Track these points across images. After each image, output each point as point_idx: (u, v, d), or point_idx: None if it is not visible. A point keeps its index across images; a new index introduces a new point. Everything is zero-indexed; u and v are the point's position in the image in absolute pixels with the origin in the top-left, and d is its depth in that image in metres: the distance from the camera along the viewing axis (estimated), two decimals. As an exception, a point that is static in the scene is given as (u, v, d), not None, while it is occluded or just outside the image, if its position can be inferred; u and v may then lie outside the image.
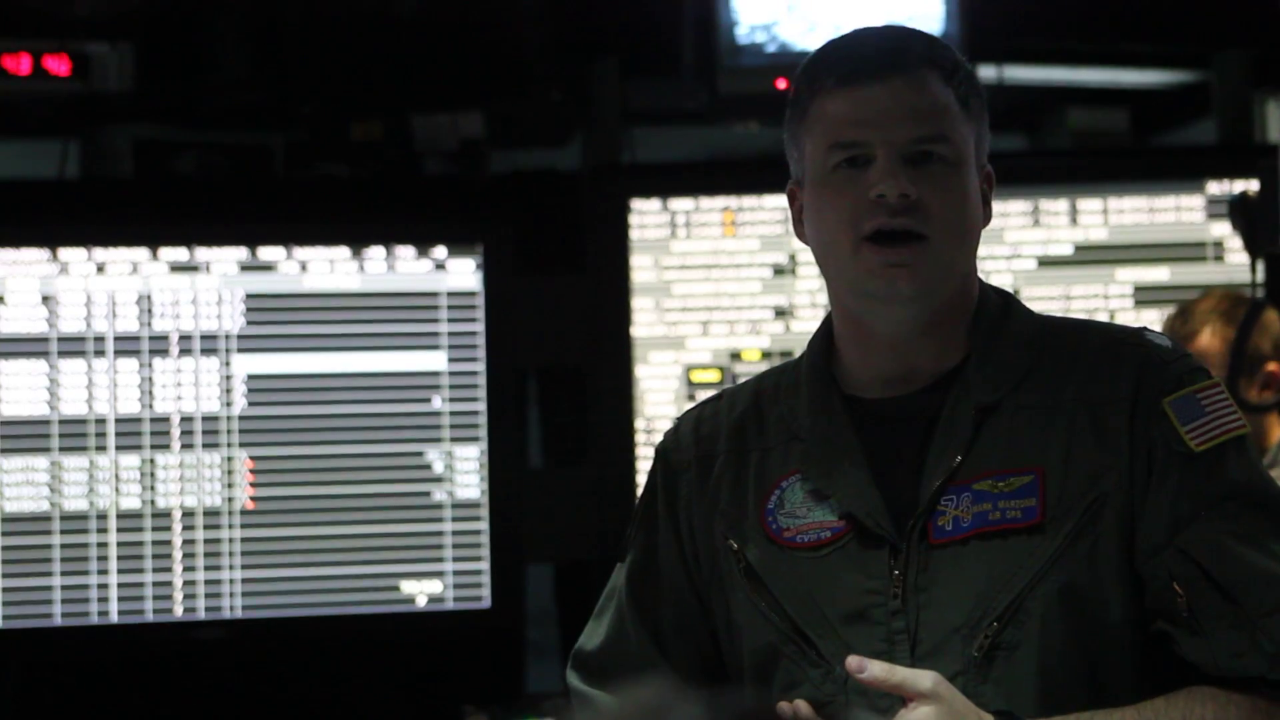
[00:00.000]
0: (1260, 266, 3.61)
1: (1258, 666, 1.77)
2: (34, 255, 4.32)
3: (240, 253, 4.37)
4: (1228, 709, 1.78)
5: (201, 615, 4.32)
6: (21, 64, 4.36)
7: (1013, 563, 1.82)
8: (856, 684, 1.82)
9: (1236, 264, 4.43)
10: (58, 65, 4.37)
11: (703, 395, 3.58)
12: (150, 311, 4.35)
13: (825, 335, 1.97)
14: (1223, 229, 4.45)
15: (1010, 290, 4.30)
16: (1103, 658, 1.83)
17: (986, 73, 4.55)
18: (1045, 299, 4.41)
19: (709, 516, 1.96)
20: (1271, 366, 3.68)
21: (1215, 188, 4.53)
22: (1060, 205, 4.46)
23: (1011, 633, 1.81)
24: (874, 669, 1.77)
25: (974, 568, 1.82)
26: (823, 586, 1.86)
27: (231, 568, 4.33)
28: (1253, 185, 3.48)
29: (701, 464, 1.98)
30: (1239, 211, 3.53)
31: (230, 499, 4.34)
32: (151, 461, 4.33)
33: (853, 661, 1.78)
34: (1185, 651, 1.80)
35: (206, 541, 4.33)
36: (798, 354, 2.05)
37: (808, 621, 1.87)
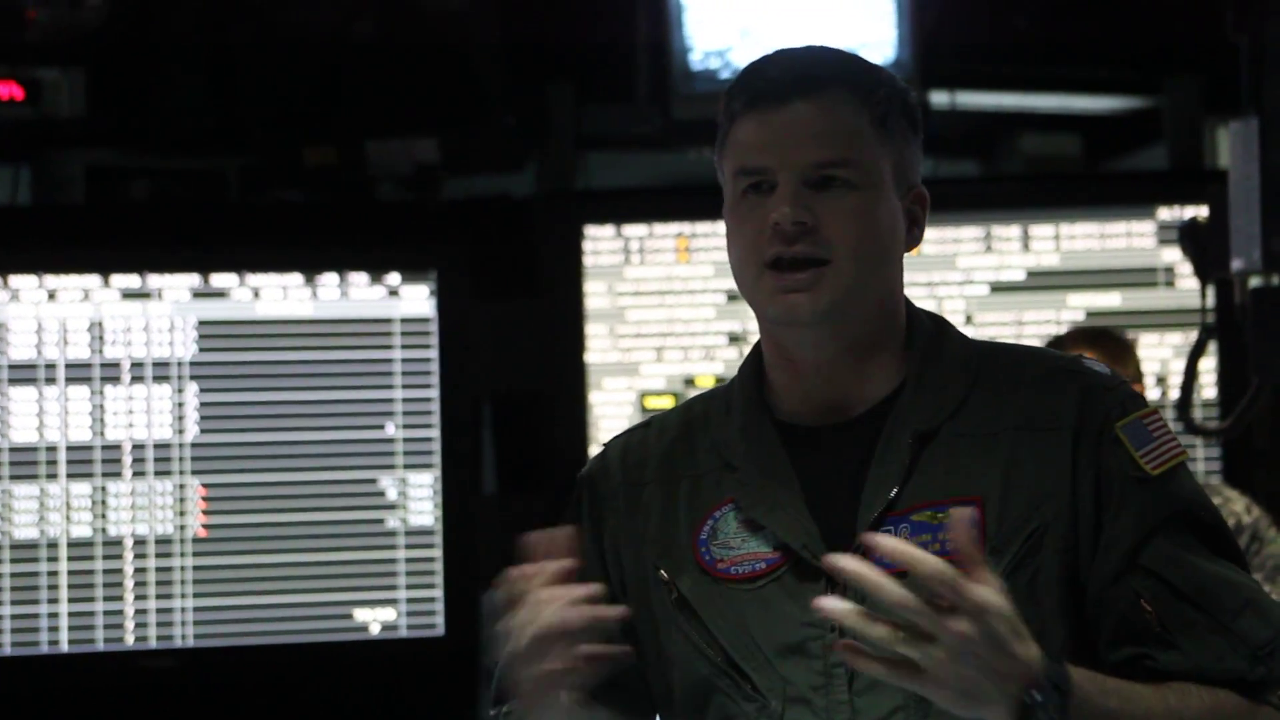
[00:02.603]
0: (1210, 292, 3.64)
1: (1239, 668, 1.79)
2: (-16, 282, 4.30)
3: (193, 279, 4.35)
4: (1217, 695, 1.78)
5: (153, 644, 4.29)
6: (-28, 90, 4.35)
7: None
8: (791, 717, 1.81)
9: (1187, 289, 4.45)
10: (8, 90, 4.35)
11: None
12: (102, 339, 4.32)
13: (756, 361, 1.95)
14: (1174, 255, 4.47)
15: (964, 316, 4.38)
16: (1041, 690, 1.83)
17: (939, 98, 4.55)
18: (997, 325, 4.41)
19: (637, 546, 1.93)
20: (1136, 388, 3.72)
21: (1166, 213, 4.54)
22: (1012, 231, 4.46)
23: None
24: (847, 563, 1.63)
25: None
26: (758, 619, 1.83)
27: (183, 596, 4.31)
28: (1203, 211, 3.51)
29: (629, 493, 1.95)
30: (1189, 237, 3.56)
31: (182, 527, 4.31)
32: (103, 489, 4.30)
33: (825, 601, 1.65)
34: (1163, 665, 1.79)
35: (158, 570, 4.30)
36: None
37: (742, 655, 1.84)
